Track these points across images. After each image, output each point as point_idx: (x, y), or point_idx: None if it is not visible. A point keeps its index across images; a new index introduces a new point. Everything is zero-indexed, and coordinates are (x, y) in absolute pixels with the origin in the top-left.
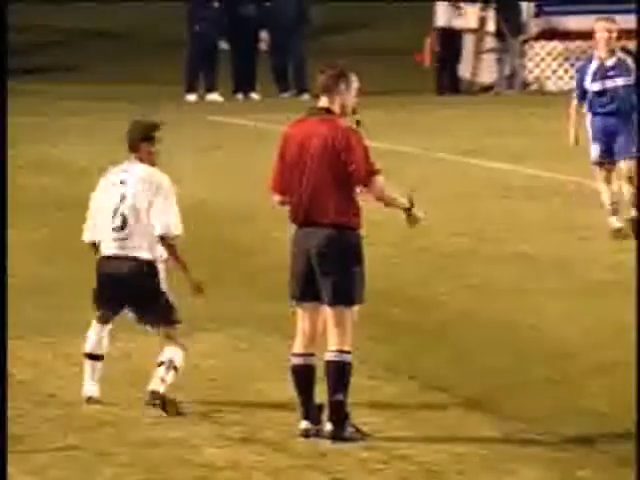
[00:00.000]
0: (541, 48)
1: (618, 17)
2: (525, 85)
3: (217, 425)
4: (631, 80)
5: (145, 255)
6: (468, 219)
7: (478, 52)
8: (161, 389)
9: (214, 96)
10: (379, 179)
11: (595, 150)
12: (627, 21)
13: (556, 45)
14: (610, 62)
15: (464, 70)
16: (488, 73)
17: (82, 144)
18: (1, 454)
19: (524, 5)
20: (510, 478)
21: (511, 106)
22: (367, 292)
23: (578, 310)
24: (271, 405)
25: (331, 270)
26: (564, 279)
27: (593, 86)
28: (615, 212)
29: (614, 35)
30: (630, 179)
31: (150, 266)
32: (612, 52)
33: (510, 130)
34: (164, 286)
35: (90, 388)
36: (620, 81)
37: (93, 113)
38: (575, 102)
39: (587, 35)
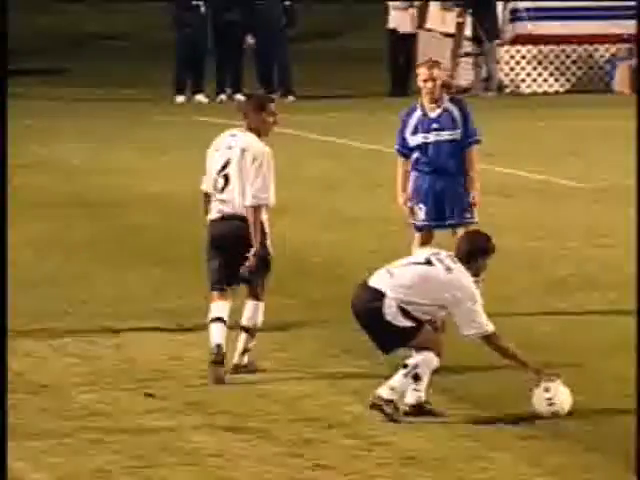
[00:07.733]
0: (516, 52)
1: (601, 22)
2: (501, 88)
3: (206, 414)
4: (457, 134)
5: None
6: None
7: (455, 56)
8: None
9: (200, 97)
10: None
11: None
12: (620, 26)
13: (530, 49)
14: (434, 114)
15: None
16: (465, 76)
17: (76, 144)
18: (1, 444)
19: (500, 11)
20: (484, 464)
21: (487, 107)
22: None
23: (549, 305)
24: (257, 395)
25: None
26: (535, 275)
27: (414, 140)
28: None
29: (439, 83)
30: None
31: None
32: (436, 102)
33: (485, 131)
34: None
35: None
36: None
37: (86, 114)
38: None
39: (559, 40)
